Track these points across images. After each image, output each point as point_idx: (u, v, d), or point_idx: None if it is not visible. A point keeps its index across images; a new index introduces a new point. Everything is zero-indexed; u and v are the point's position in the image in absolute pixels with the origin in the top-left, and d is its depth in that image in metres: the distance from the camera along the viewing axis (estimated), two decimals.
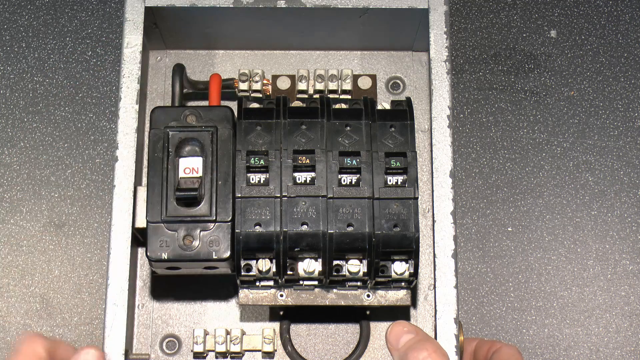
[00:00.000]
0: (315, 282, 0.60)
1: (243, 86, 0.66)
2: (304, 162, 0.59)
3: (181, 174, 0.60)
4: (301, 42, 0.68)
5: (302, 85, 0.67)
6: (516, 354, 0.63)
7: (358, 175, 0.59)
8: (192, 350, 0.64)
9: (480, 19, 0.82)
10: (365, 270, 0.59)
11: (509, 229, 0.78)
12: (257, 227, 0.58)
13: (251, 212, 0.59)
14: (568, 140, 0.79)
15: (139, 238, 0.62)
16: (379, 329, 0.65)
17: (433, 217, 0.60)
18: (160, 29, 0.66)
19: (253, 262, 0.59)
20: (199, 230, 0.59)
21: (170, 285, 0.65)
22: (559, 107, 0.80)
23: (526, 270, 0.77)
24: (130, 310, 0.62)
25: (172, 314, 0.65)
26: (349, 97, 0.66)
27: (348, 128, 0.60)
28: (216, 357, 0.64)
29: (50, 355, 0.56)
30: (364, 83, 0.67)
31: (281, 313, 0.65)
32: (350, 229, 0.58)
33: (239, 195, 0.59)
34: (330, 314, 0.65)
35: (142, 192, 0.61)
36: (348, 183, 0.59)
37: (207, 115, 0.61)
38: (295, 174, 0.59)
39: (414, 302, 0.65)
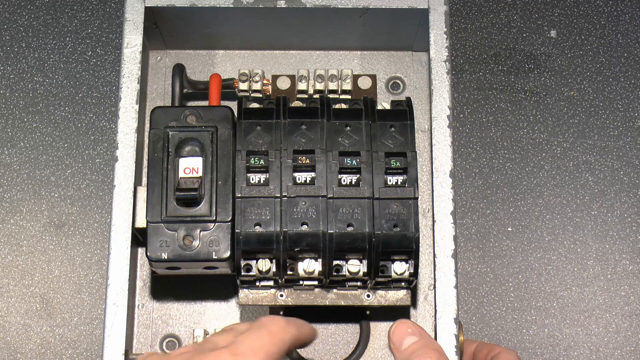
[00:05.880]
0: (315, 282, 0.60)
1: (243, 86, 0.66)
2: (304, 162, 0.59)
3: (181, 174, 0.60)
4: (301, 42, 0.68)
5: (302, 85, 0.66)
6: None
7: (358, 175, 0.59)
8: None
9: (480, 19, 0.82)
10: (365, 270, 0.59)
11: (509, 229, 0.78)
12: (257, 227, 0.58)
13: (251, 212, 0.59)
14: (568, 140, 0.79)
15: (139, 238, 0.62)
16: (379, 329, 0.65)
17: (433, 217, 0.60)
18: (160, 29, 0.66)
19: (253, 262, 0.59)
20: (199, 230, 0.59)
21: (170, 285, 0.65)
22: (559, 107, 0.80)
23: (526, 270, 0.77)
24: (130, 310, 0.62)
25: (172, 314, 0.65)
26: (349, 97, 0.66)
27: (348, 128, 0.60)
28: None
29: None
30: (364, 83, 0.67)
31: (281, 313, 0.65)
32: (350, 229, 0.58)
33: (239, 195, 0.59)
34: (330, 314, 0.65)
35: (142, 192, 0.61)
36: (348, 183, 0.59)
37: (207, 115, 0.61)
38: (295, 174, 0.59)
39: (414, 302, 0.65)
